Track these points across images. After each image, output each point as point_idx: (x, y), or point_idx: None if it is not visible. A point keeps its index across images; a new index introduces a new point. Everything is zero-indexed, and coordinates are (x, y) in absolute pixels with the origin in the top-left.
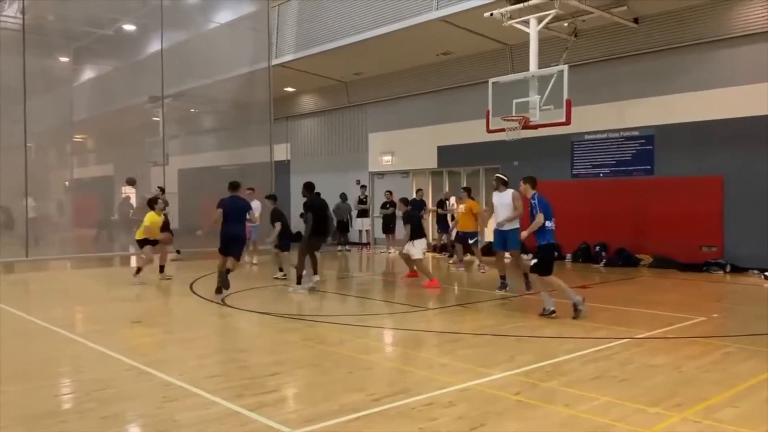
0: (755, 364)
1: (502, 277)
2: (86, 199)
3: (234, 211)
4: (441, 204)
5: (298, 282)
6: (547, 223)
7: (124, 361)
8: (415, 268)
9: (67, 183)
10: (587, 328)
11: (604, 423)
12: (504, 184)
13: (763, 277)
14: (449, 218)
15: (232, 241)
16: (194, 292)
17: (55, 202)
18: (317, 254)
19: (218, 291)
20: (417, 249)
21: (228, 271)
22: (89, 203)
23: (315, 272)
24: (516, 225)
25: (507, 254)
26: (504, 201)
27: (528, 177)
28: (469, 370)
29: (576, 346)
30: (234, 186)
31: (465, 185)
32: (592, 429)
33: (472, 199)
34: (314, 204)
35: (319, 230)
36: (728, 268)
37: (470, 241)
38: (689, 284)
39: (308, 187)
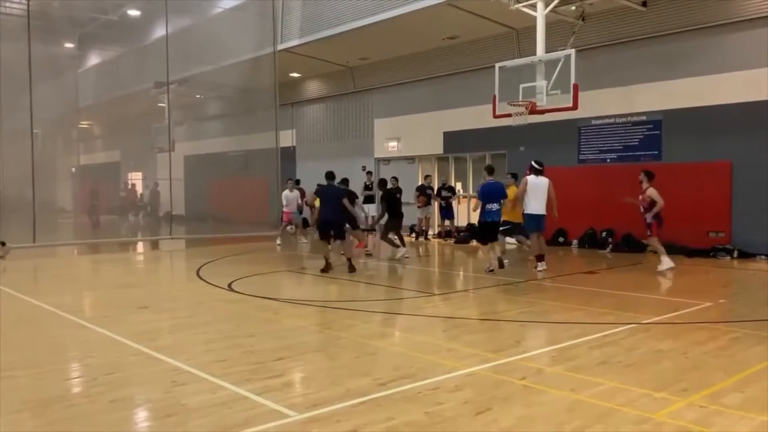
0: (762, 350)
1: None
2: (94, 185)
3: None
4: (439, 191)
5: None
6: (488, 206)
7: (132, 346)
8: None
9: (73, 169)
10: (594, 314)
11: (610, 408)
12: (535, 172)
13: None
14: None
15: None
16: (201, 278)
17: (62, 189)
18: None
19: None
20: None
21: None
22: (97, 189)
23: (402, 245)
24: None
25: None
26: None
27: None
28: (475, 355)
29: (582, 332)
30: (329, 176)
31: (511, 171)
32: (598, 414)
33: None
34: (387, 195)
35: (393, 214)
36: (736, 254)
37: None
38: (696, 270)
39: (382, 183)
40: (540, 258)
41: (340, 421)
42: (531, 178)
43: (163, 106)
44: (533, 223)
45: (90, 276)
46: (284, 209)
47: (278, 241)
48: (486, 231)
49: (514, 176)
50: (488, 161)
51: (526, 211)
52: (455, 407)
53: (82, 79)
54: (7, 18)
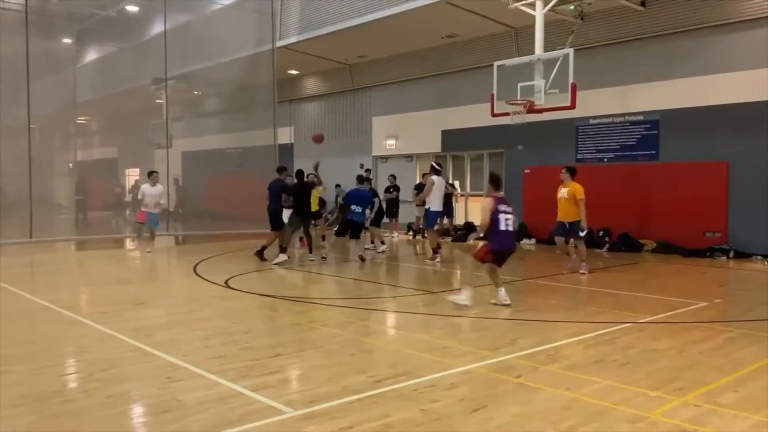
0: (757, 350)
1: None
2: (91, 181)
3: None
4: None
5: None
6: (352, 207)
7: (129, 342)
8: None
9: (71, 165)
10: (590, 313)
11: (606, 406)
12: (436, 173)
13: (766, 263)
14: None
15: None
16: (198, 275)
17: (59, 184)
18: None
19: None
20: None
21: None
22: (95, 185)
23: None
24: (429, 206)
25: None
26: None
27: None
28: (471, 352)
29: (578, 330)
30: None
31: (568, 165)
32: (594, 412)
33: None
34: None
35: (298, 212)
36: (732, 254)
37: (582, 234)
38: (692, 270)
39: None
40: (436, 251)
41: (336, 418)
42: (435, 178)
43: (161, 102)
44: (436, 217)
45: (86, 272)
46: (142, 208)
47: (134, 245)
48: (347, 227)
49: (571, 170)
50: (486, 160)
51: (431, 209)
52: (451, 405)
53: (80, 74)
54: (5, 13)
